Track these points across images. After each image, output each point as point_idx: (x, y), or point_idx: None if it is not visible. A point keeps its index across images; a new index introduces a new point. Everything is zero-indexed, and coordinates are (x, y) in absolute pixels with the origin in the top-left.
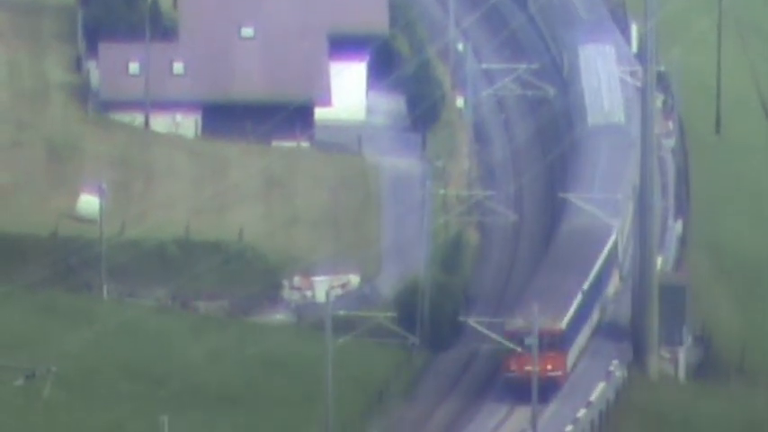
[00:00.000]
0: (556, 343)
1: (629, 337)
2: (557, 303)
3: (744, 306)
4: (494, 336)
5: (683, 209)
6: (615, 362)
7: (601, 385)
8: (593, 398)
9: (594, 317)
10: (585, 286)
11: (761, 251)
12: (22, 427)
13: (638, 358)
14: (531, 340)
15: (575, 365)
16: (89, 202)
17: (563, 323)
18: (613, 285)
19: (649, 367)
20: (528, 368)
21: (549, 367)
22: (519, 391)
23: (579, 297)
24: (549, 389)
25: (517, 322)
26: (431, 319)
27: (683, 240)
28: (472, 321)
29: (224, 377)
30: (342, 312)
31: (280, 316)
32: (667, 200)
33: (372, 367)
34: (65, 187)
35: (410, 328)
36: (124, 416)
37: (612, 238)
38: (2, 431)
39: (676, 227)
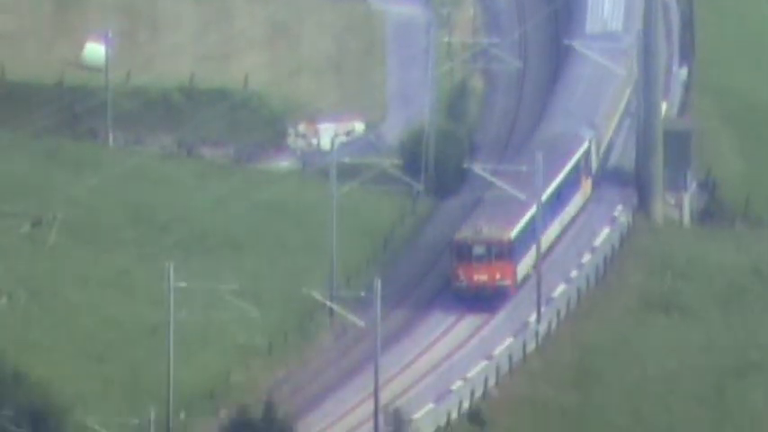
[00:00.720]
0: (504, 253)
1: (633, 183)
2: (508, 214)
3: (748, 151)
4: (499, 182)
5: (687, 54)
6: (620, 207)
7: (605, 231)
8: (597, 243)
9: (556, 226)
10: (543, 197)
11: (766, 96)
12: (28, 273)
13: (642, 204)
14: (480, 250)
15: (528, 275)
16: (95, 50)
17: (512, 233)
18: (583, 194)
19: (654, 212)
20: (477, 277)
21: (498, 276)
22: (468, 300)
23: (534, 208)
24: (497, 297)
25: (466, 232)
26: (435, 166)
27: (687, 86)
28: (477, 168)
29: (229, 224)
30: (346, 159)
31: (285, 163)
32: (672, 45)
33: (377, 214)
34: (71, 35)
35: (415, 175)
36: (129, 262)
37: (583, 147)
38: (9, 277)
39: (681, 72)
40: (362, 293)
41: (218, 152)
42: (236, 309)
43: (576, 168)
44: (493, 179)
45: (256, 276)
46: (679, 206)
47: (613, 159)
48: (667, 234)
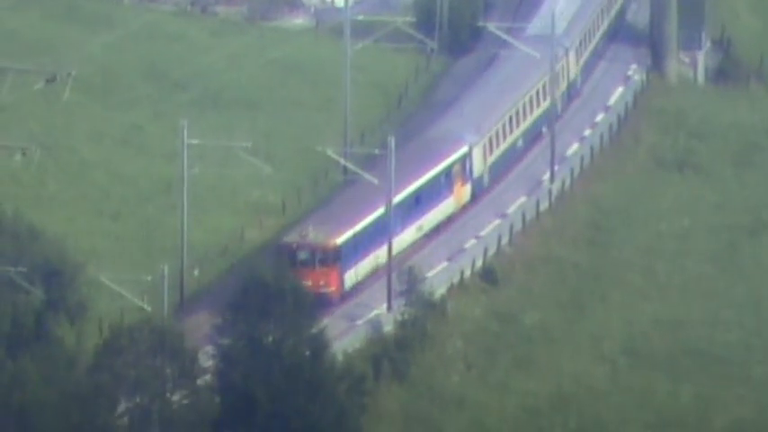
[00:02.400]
0: (329, 259)
1: (647, 42)
2: (343, 218)
3: (763, 9)
4: (513, 41)
5: None
6: (634, 66)
7: (619, 90)
8: (611, 102)
9: (412, 231)
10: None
11: None
12: (42, 130)
13: (656, 63)
14: (304, 255)
15: (359, 283)
16: None
17: (339, 239)
18: (455, 201)
19: (668, 71)
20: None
21: (322, 283)
22: None
23: (373, 215)
24: (321, 304)
25: (292, 236)
26: (449, 24)
27: None
28: (491, 26)
29: (243, 81)
30: (361, 17)
31: (299, 20)
32: None
33: (391, 72)
34: None
35: (429, 33)
36: (143, 118)
37: (458, 152)
38: (23, 133)
39: None
40: (376, 151)
41: (232, 9)
42: (249, 166)
43: (446, 173)
44: (507, 37)
45: (270, 134)
46: (693, 65)
47: (628, 18)
48: (681, 93)
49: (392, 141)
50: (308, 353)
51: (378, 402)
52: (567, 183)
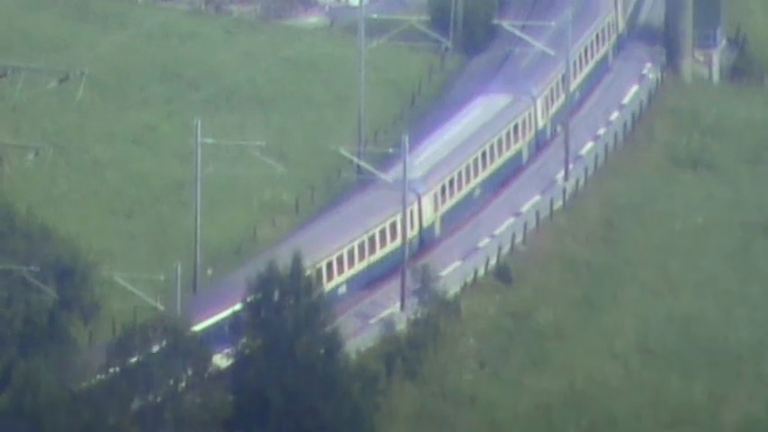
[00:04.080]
0: None
1: (662, 40)
2: None
3: None
4: (528, 38)
5: None
6: (648, 64)
7: (634, 88)
8: (625, 100)
9: None
10: None
11: None
12: (55, 129)
13: (671, 61)
14: None
15: None
16: None
17: None
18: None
19: (683, 69)
20: None
21: None
22: None
23: None
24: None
25: None
26: (464, 22)
27: None
28: (506, 24)
29: (256, 80)
30: (375, 15)
31: (313, 19)
32: None
33: (405, 70)
34: None
35: (443, 32)
36: (156, 117)
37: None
38: (36, 133)
39: None
40: (390, 150)
41: (246, 8)
42: (262, 165)
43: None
44: (522, 35)
45: (283, 132)
46: (708, 63)
47: (642, 16)
48: (696, 91)
49: (406, 140)
50: (321, 351)
51: (391, 401)
52: (582, 181)
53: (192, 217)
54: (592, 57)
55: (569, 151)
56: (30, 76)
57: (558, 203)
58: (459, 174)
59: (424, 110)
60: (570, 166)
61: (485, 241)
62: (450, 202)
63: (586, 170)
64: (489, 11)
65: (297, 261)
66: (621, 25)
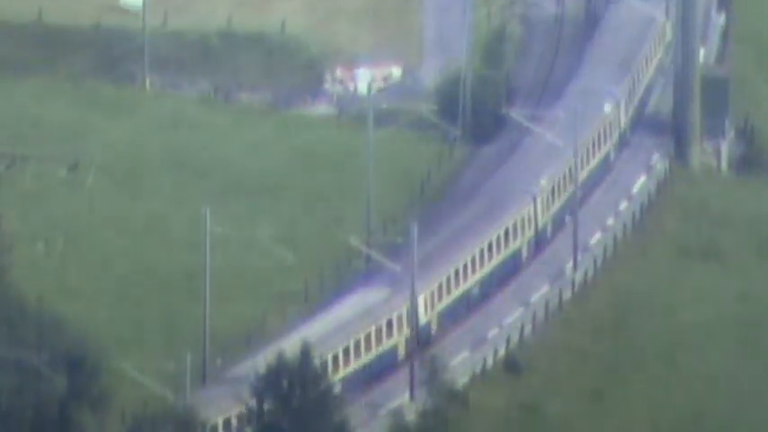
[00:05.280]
0: None
1: (670, 130)
2: None
3: None
4: (536, 128)
5: (725, 1)
6: (657, 155)
7: (642, 178)
8: (634, 191)
9: None
10: None
11: None
12: (65, 218)
13: (679, 151)
14: None
15: None
16: None
17: None
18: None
19: (691, 160)
20: None
21: None
22: None
23: None
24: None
25: None
26: (472, 112)
27: (725, 33)
28: (514, 113)
29: (265, 169)
30: (383, 104)
31: (321, 108)
32: None
33: (414, 160)
34: None
35: (452, 121)
36: (166, 206)
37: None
38: (46, 221)
39: (719, 19)
40: (399, 239)
41: (255, 97)
42: (272, 254)
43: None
44: (530, 125)
45: (293, 222)
46: (716, 154)
47: (651, 106)
48: (704, 182)
49: (415, 230)
50: None
51: None
52: (591, 272)
53: (202, 306)
54: (594, 155)
55: (578, 242)
56: (40, 164)
57: (567, 294)
58: (457, 272)
59: (434, 199)
60: (579, 257)
61: (493, 332)
62: (445, 301)
63: (595, 261)
64: (498, 100)
65: (305, 352)
66: (624, 122)
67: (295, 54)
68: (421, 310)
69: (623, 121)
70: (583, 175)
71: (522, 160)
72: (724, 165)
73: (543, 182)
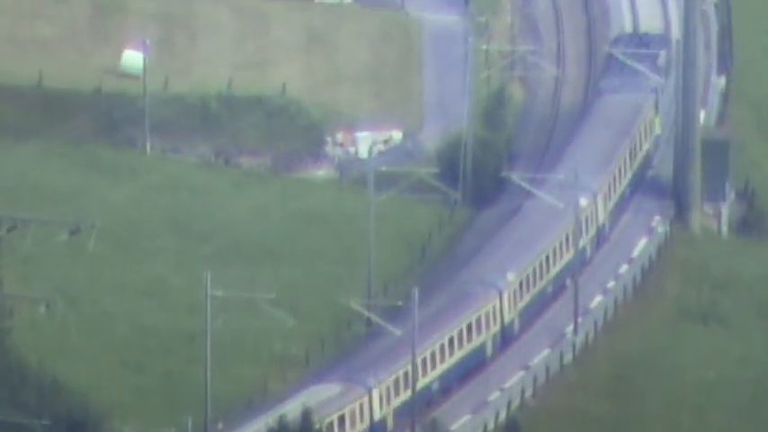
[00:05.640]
0: None
1: (671, 193)
2: None
3: None
4: (537, 192)
5: (725, 64)
6: (657, 218)
7: (643, 241)
8: (635, 254)
9: None
10: None
11: None
12: (66, 281)
13: (680, 214)
14: None
15: None
16: (133, 58)
17: None
18: None
19: (692, 223)
20: None
21: None
22: None
23: None
24: None
25: None
26: (473, 175)
27: (725, 95)
28: (515, 177)
29: (266, 233)
30: (384, 168)
31: (322, 171)
32: (710, 55)
33: (415, 223)
34: (109, 43)
35: (452, 184)
36: (167, 270)
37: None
38: (47, 285)
39: (719, 82)
40: (400, 303)
41: (256, 161)
42: (273, 318)
43: None
44: (530, 188)
45: (293, 285)
46: (717, 216)
47: (651, 170)
48: (705, 244)
49: (416, 293)
50: None
51: None
52: (591, 335)
53: (203, 370)
54: (567, 248)
55: (578, 305)
56: (40, 228)
57: (568, 357)
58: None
59: (434, 263)
60: (580, 320)
61: (495, 395)
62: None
63: (596, 324)
64: (498, 163)
65: (306, 416)
66: (602, 216)
67: (295, 117)
68: (376, 404)
69: (601, 214)
70: (555, 270)
71: (491, 253)
72: (725, 227)
73: (510, 276)
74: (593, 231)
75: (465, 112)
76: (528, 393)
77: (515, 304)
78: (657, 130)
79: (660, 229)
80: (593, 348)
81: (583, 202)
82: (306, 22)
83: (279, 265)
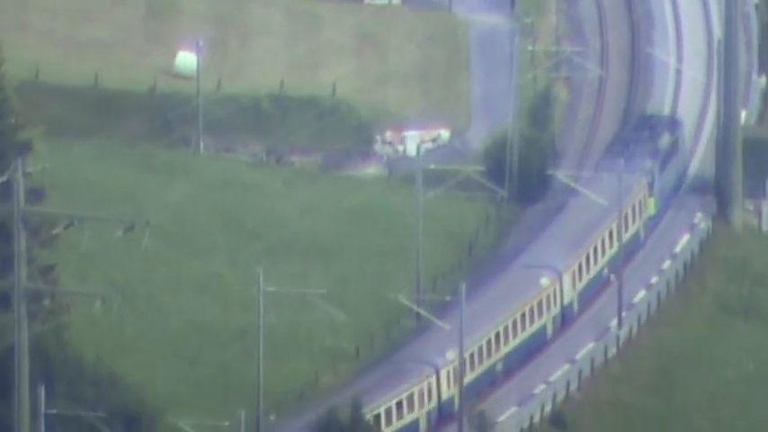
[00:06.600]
0: None
1: (713, 190)
2: None
3: None
4: (581, 189)
5: (766, 62)
6: (699, 214)
7: (685, 237)
8: (677, 250)
9: None
10: None
11: None
12: (121, 278)
13: (722, 211)
14: None
15: None
16: (187, 59)
17: None
18: None
19: (733, 219)
20: None
21: None
22: None
23: None
24: None
25: None
26: (519, 173)
27: (766, 95)
28: (560, 174)
29: (317, 229)
30: (432, 166)
31: (371, 170)
32: (751, 54)
33: (462, 220)
34: (163, 44)
35: (499, 182)
36: (220, 266)
37: None
38: (103, 281)
39: (760, 81)
40: (448, 298)
41: (307, 159)
42: (323, 313)
43: None
44: (575, 186)
45: (344, 281)
46: (758, 213)
47: (694, 168)
48: (746, 240)
49: (463, 288)
50: None
51: None
52: (635, 329)
53: (255, 364)
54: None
55: (622, 299)
56: (96, 225)
57: (612, 351)
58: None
59: (481, 259)
60: (624, 314)
61: (540, 388)
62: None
63: (639, 318)
64: (544, 161)
65: (356, 408)
66: (568, 295)
67: (346, 117)
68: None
69: (567, 294)
70: (507, 348)
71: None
72: (765, 224)
73: (449, 355)
74: (556, 311)
75: (511, 111)
76: (573, 386)
77: (452, 384)
78: (652, 211)
79: (702, 226)
80: (637, 342)
81: (544, 281)
82: (356, 23)
83: (329, 261)
